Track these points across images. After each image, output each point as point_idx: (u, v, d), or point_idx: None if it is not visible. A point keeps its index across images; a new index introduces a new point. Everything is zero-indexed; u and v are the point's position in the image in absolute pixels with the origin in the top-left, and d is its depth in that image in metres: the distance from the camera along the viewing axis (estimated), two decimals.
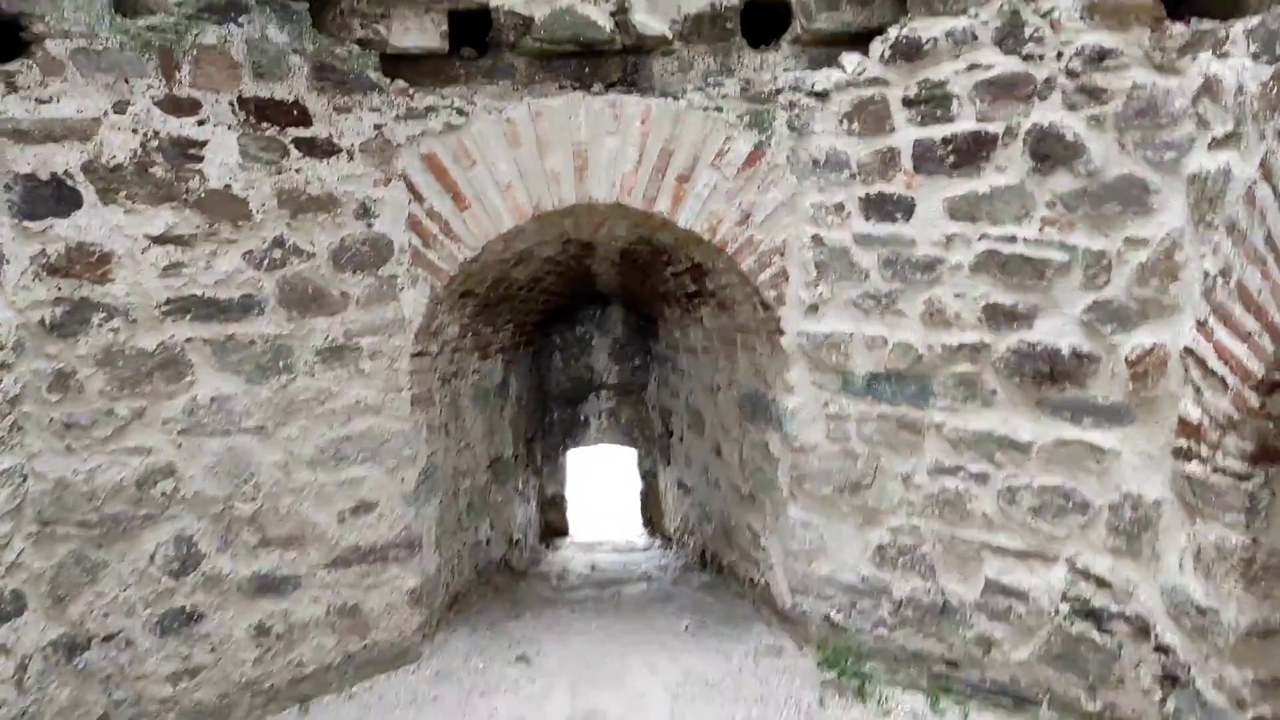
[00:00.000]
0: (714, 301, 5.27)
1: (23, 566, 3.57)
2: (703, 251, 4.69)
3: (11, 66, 3.44)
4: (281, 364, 4.09)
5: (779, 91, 4.41)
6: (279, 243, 4.04)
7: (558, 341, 7.50)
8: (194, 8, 3.79)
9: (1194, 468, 3.24)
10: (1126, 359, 3.56)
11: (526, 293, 5.86)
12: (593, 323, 7.44)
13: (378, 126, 4.29)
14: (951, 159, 3.96)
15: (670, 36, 4.51)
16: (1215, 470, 3.12)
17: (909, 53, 4.04)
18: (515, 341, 6.52)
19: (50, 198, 3.52)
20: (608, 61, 4.60)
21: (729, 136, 4.41)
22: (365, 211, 4.29)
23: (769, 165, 4.43)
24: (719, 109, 4.42)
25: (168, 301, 3.79)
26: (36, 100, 3.47)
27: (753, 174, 4.43)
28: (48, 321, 3.56)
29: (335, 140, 4.18)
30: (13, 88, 3.43)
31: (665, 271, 5.48)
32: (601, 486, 11.82)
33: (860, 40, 4.34)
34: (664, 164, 4.42)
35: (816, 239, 4.38)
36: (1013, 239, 3.83)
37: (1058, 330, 3.76)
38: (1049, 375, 3.79)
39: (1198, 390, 3.23)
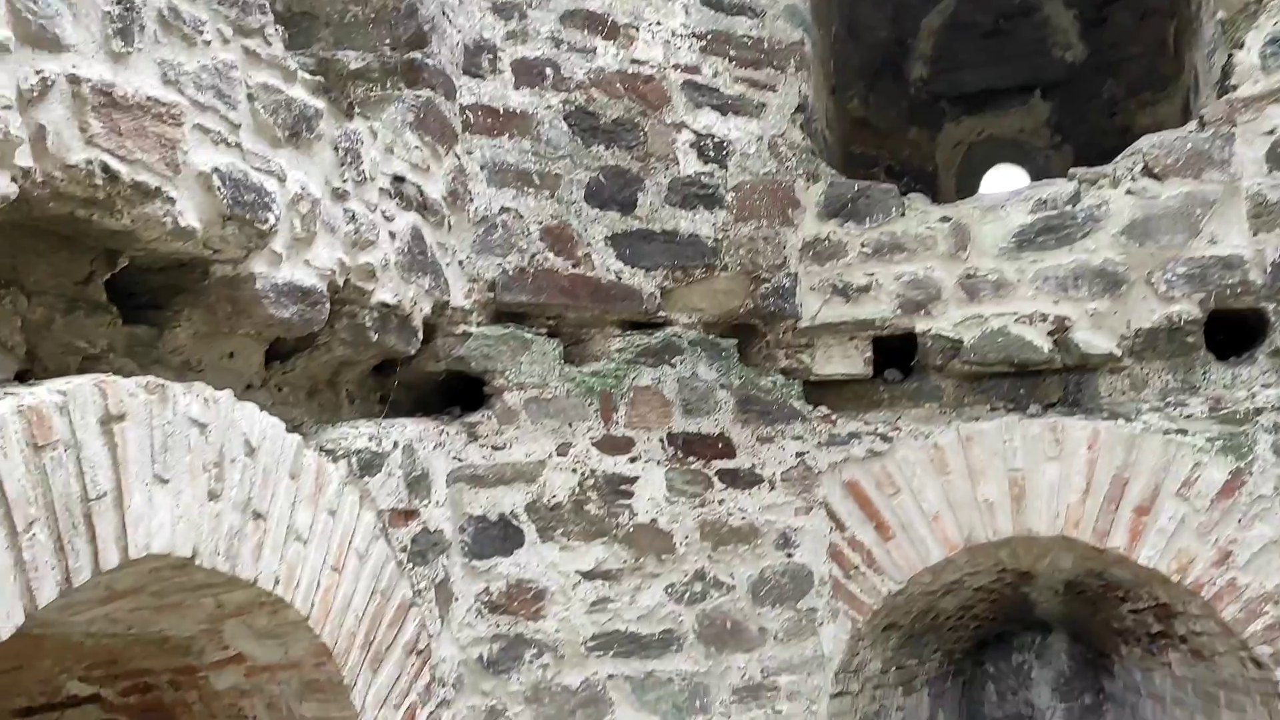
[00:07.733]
0: (1185, 648, 4.45)
1: None
2: (1170, 591, 4.01)
3: (474, 418, 3.79)
4: (698, 703, 3.93)
5: (1259, 411, 3.80)
6: (700, 575, 4.01)
7: (991, 671, 6.73)
8: (633, 353, 4.03)
9: None
10: None
11: (955, 621, 5.35)
12: (1030, 651, 6.61)
13: (799, 455, 4.23)
14: None
15: (1119, 354, 4.09)
16: None
17: None
18: (942, 672, 5.93)
19: (497, 538, 3.73)
20: (1045, 381, 4.25)
21: (1197, 463, 3.83)
22: (785, 542, 4.16)
23: (1251, 496, 3.77)
24: (1182, 431, 3.88)
25: (593, 637, 3.81)
26: (493, 447, 3.76)
27: (1230, 506, 3.79)
28: (485, 658, 3.68)
29: (757, 470, 4.16)
30: (473, 437, 3.75)
31: (1121, 608, 4.76)
32: None
33: None
34: (1117, 494, 3.91)
35: None
36: None
37: None
38: None
39: None
